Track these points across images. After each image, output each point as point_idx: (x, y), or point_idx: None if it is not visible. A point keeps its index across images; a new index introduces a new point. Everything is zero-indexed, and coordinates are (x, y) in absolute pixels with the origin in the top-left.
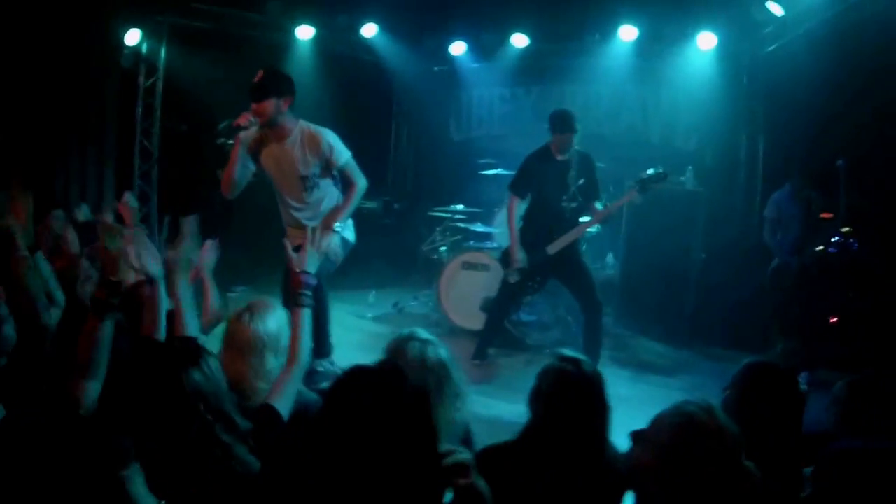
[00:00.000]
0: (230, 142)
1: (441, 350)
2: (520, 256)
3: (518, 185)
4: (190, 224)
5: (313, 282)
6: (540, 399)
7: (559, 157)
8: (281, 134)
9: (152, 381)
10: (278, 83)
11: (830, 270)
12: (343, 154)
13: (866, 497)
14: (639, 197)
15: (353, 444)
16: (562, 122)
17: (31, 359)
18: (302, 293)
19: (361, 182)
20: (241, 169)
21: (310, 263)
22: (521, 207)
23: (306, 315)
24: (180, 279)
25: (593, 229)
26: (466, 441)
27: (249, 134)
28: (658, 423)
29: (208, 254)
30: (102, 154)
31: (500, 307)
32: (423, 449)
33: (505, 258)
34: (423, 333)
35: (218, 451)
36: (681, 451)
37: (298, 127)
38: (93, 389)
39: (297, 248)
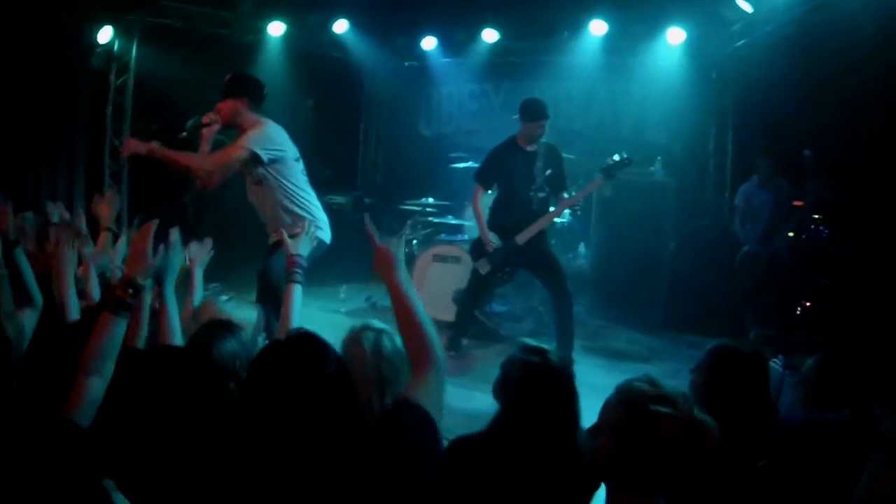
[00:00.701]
0: (186, 135)
1: (396, 338)
2: (492, 238)
3: (483, 176)
4: (174, 234)
5: (304, 264)
6: (506, 390)
7: (527, 149)
8: (241, 132)
9: (147, 382)
10: (238, 85)
11: (802, 257)
12: (247, 140)
13: (817, 468)
14: (607, 186)
15: (275, 418)
16: (534, 110)
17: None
18: (294, 271)
19: (208, 162)
20: None
21: (302, 247)
22: (486, 199)
23: (297, 290)
24: (166, 288)
25: (562, 219)
26: None
27: (212, 130)
28: (606, 406)
29: (202, 251)
30: (73, 154)
31: (470, 298)
32: (347, 412)
33: (475, 249)
34: (377, 324)
35: None
36: (633, 420)
37: (255, 124)
38: (95, 388)
39: (292, 237)
